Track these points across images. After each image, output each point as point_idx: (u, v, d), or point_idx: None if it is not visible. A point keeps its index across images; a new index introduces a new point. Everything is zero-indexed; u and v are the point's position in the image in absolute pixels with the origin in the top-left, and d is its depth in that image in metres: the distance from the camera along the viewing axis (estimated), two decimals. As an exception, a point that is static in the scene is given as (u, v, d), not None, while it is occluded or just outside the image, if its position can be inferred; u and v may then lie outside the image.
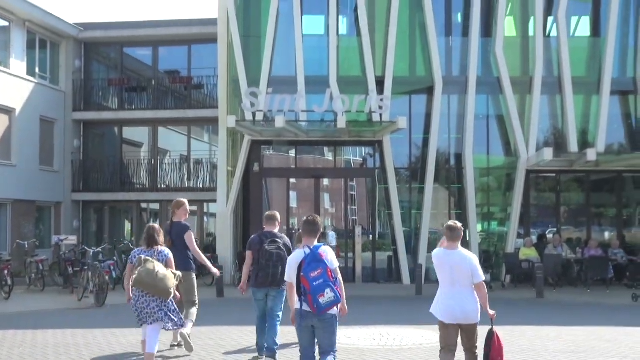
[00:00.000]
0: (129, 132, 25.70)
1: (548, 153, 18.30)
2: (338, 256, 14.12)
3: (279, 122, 17.84)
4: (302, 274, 6.21)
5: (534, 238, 20.52)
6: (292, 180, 22.04)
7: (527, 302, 16.00)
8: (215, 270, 10.49)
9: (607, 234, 21.86)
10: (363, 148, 22.09)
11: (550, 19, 20.97)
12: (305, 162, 22.22)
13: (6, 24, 21.84)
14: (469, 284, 6.81)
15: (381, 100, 18.93)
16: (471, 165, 20.08)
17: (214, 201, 21.31)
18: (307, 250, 6.34)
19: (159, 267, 7.78)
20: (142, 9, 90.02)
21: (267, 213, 9.30)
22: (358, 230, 20.13)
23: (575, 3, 21.06)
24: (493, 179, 21.96)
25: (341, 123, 18.12)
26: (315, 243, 6.46)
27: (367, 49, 19.99)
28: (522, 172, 20.02)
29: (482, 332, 7.05)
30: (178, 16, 75.69)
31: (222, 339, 10.63)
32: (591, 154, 18.18)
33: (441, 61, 20.30)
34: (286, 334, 9.82)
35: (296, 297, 6.38)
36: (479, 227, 20.93)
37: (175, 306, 8.07)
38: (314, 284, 6.11)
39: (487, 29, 20.81)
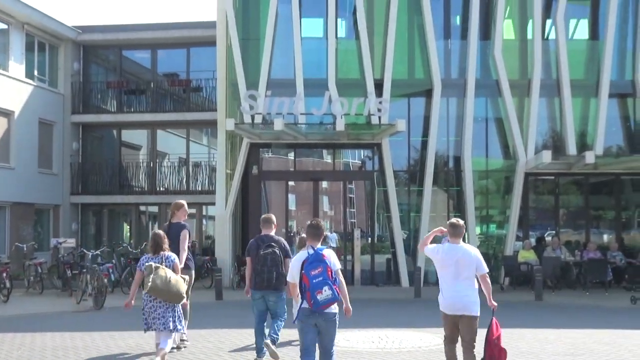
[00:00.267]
0: (127, 135, 25.70)
1: (547, 156, 18.30)
2: (338, 258, 14.28)
3: (278, 124, 17.84)
4: (303, 271, 6.51)
5: (533, 241, 20.51)
6: (291, 183, 22.05)
7: (526, 305, 16.00)
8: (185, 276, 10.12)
9: (605, 237, 21.88)
10: (362, 151, 22.11)
11: (548, 22, 20.98)
12: (304, 165, 22.22)
13: (5, 26, 21.84)
14: (472, 277, 7.21)
15: (380, 102, 18.94)
16: (470, 168, 20.09)
17: (213, 204, 21.29)
18: (311, 251, 6.63)
19: (170, 273, 8.03)
20: (141, 12, 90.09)
21: (263, 216, 9.43)
22: (357, 233, 20.13)
23: (573, 6, 21.10)
24: (492, 182, 21.97)
25: (340, 126, 18.13)
26: (319, 246, 6.73)
27: (365, 51, 20.00)
28: (521, 174, 20.03)
29: (481, 332, 7.09)
30: (177, 19, 75.69)
31: (221, 342, 10.62)
32: (590, 157, 18.18)
33: (440, 64, 20.30)
34: (285, 334, 9.84)
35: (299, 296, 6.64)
36: (478, 230, 20.93)
37: (181, 312, 8.31)
38: (314, 281, 6.40)
39: (486, 32, 20.82)
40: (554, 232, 21.17)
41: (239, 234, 21.31)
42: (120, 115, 24.83)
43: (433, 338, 10.69)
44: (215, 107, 21.25)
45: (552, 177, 21.26)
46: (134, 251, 20.29)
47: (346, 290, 6.78)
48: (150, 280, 7.91)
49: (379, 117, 19.20)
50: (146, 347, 10.09)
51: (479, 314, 7.25)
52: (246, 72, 20.14)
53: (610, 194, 21.61)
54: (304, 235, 10.59)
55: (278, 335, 8.96)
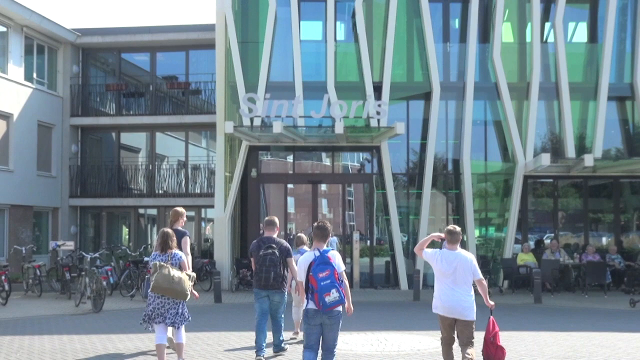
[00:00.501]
0: (126, 138, 25.68)
1: (545, 159, 18.33)
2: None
3: (277, 127, 17.86)
4: (310, 273, 6.80)
5: (532, 243, 20.53)
6: (290, 186, 22.04)
7: (525, 308, 16.00)
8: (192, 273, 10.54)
9: (604, 240, 21.89)
10: (361, 153, 22.10)
11: (547, 25, 21.02)
12: (302, 168, 22.22)
13: (4, 29, 21.84)
14: (469, 282, 7.52)
15: (379, 105, 18.96)
16: (469, 171, 20.11)
17: (212, 207, 21.28)
18: (317, 253, 6.90)
19: (174, 272, 8.29)
20: (140, 15, 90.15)
21: (266, 218, 9.83)
22: (356, 236, 20.13)
23: (572, 9, 21.14)
24: (491, 185, 21.98)
25: (339, 129, 18.14)
26: (324, 247, 7.00)
27: (364, 54, 20.02)
28: (520, 177, 20.05)
29: (481, 333, 7.11)
30: (176, 22, 75.83)
31: (220, 344, 10.62)
32: (588, 160, 18.20)
33: (439, 67, 20.33)
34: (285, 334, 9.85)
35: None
36: (477, 233, 20.93)
37: (186, 310, 8.59)
38: (322, 283, 6.70)
39: (485, 35, 20.86)
40: (552, 234, 21.19)
41: (238, 237, 21.31)
42: (119, 117, 24.81)
43: (432, 341, 10.69)
44: (214, 109, 21.26)
45: (551, 180, 21.27)
46: (132, 254, 20.29)
47: (349, 291, 7.08)
48: (154, 278, 8.22)
49: (378, 120, 19.23)
50: (145, 349, 10.09)
51: (475, 318, 7.55)
52: (245, 74, 20.15)
53: (609, 197, 21.63)
54: (300, 234, 11.00)
55: (282, 338, 9.64)
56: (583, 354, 9.91)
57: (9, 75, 21.71)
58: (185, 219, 10.42)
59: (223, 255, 19.94)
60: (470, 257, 7.65)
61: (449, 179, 21.35)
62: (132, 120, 24.76)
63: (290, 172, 21.69)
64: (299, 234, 11.09)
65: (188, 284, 8.35)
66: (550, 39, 20.80)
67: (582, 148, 20.52)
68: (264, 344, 9.31)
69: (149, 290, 8.49)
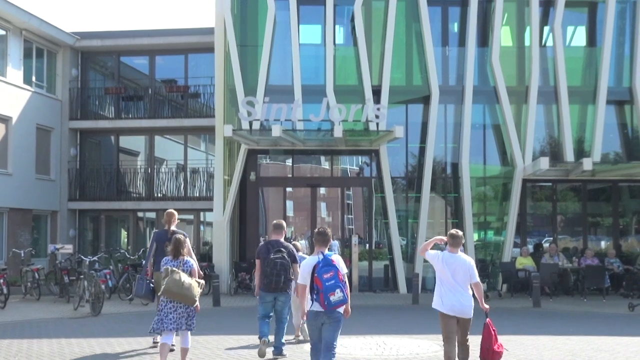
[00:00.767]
0: (125, 141, 25.66)
1: (544, 162, 18.34)
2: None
3: (276, 131, 17.86)
4: (315, 274, 7.05)
5: (531, 247, 20.53)
6: (289, 189, 22.04)
7: (524, 312, 15.99)
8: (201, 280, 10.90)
9: (603, 243, 21.88)
10: (359, 157, 22.10)
11: (546, 29, 21.05)
12: (301, 171, 22.23)
13: (3, 32, 21.84)
14: (467, 284, 7.98)
15: (378, 109, 18.96)
16: (467, 175, 20.10)
17: (211, 210, 21.27)
18: (321, 257, 7.15)
19: (185, 277, 8.53)
20: (139, 18, 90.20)
21: (274, 222, 10.11)
22: (354, 239, 20.12)
23: (571, 13, 21.16)
24: (489, 188, 21.98)
25: (338, 132, 18.15)
26: (326, 251, 7.25)
27: (363, 58, 20.03)
28: (519, 181, 20.05)
29: (477, 337, 7.13)
30: (175, 25, 75.85)
31: (219, 348, 10.60)
32: (587, 164, 18.20)
33: (438, 70, 20.35)
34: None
35: (308, 296, 7.21)
36: (476, 236, 20.93)
37: (195, 314, 8.80)
38: (327, 283, 6.95)
39: (484, 39, 20.88)
40: (551, 238, 21.18)
41: (237, 241, 21.29)
42: (118, 121, 24.79)
43: (431, 345, 10.68)
44: (213, 113, 21.26)
45: (550, 184, 21.27)
46: (131, 257, 20.26)
47: (349, 294, 7.28)
48: (164, 283, 8.45)
49: (377, 124, 19.23)
50: (143, 353, 10.08)
51: (472, 316, 8.03)
52: (244, 78, 20.16)
53: (607, 201, 21.64)
54: (295, 242, 11.19)
55: (283, 341, 9.75)
56: (582, 358, 9.91)
57: (7, 78, 21.71)
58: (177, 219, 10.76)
59: (222, 258, 19.91)
60: (469, 260, 8.08)
61: (448, 183, 21.35)
62: (131, 124, 24.74)
63: (289, 175, 21.69)
64: (294, 242, 11.19)
65: (197, 291, 8.60)
66: (549, 43, 20.82)
67: (580, 152, 20.53)
68: (267, 331, 9.61)
69: (158, 294, 8.67)
